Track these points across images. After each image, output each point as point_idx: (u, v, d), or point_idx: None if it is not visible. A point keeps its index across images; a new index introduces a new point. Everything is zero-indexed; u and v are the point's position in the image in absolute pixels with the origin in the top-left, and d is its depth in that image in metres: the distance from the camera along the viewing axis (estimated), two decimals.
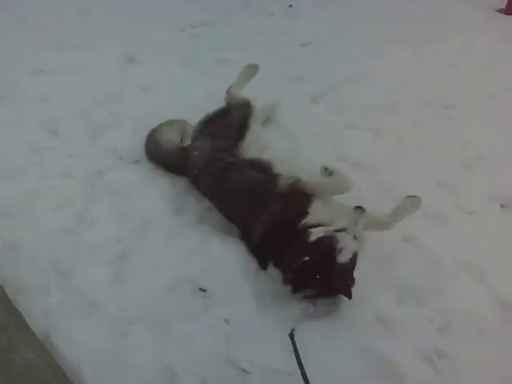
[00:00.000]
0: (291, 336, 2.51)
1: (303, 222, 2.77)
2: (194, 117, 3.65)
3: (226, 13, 5.76)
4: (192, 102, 3.99)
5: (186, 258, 2.92)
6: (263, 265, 2.82)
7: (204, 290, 2.75)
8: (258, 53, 4.81)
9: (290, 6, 5.86)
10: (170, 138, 3.61)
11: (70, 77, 4.50)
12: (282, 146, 3.69)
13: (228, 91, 3.70)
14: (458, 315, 2.67)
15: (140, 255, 2.93)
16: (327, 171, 3.00)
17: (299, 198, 2.88)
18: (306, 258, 2.57)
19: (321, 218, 2.79)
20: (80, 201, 3.26)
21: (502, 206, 3.33)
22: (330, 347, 2.51)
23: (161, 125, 3.70)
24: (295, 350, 2.44)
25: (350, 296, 2.63)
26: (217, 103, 3.87)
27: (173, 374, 2.39)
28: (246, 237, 2.96)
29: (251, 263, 2.87)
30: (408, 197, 3.02)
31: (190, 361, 2.45)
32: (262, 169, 3.09)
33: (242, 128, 3.34)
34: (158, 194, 3.31)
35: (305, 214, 2.81)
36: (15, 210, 3.18)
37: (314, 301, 2.68)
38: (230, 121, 3.42)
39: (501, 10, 5.99)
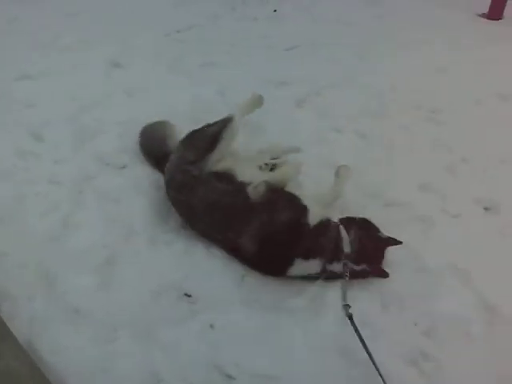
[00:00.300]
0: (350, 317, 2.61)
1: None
2: (181, 121, 3.66)
3: (212, 17, 5.76)
4: (178, 107, 4.01)
5: (172, 263, 2.92)
6: (278, 271, 2.84)
7: (189, 296, 2.75)
8: (243, 57, 4.85)
9: (275, 10, 5.87)
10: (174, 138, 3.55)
11: (56, 81, 4.48)
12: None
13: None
14: (443, 318, 2.68)
15: (126, 261, 2.92)
16: (268, 166, 3.21)
17: (284, 197, 2.96)
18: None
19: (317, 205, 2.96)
20: (66, 206, 3.24)
21: (485, 208, 3.35)
22: (314, 350, 2.51)
23: (163, 122, 3.71)
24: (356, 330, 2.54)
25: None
26: (203, 107, 3.89)
27: (159, 380, 2.38)
28: (234, 250, 2.94)
29: (236, 268, 2.88)
30: (341, 166, 3.25)
31: (176, 367, 2.44)
32: (227, 179, 3.06)
33: (213, 141, 3.22)
34: (144, 199, 3.30)
35: (304, 208, 2.90)
36: (0, 216, 3.17)
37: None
38: (205, 134, 3.31)
39: (483, 15, 6.02)
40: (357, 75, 4.57)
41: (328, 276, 2.81)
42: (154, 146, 3.61)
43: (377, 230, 2.97)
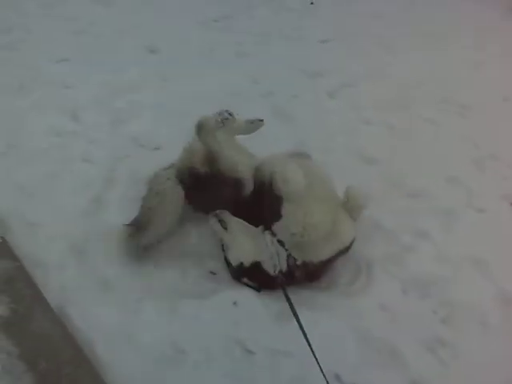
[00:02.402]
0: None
1: None
2: (212, 108, 3.72)
3: (248, 7, 5.77)
4: (212, 93, 4.09)
5: (198, 242, 3.01)
6: None
7: (214, 274, 2.84)
8: (278, 47, 4.90)
9: (312, 3, 5.88)
10: None
11: (92, 65, 4.57)
12: (297, 139, 3.75)
13: None
14: (462, 307, 2.73)
15: None
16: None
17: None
18: None
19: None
20: (99, 184, 3.35)
21: (511, 204, 3.36)
22: (334, 333, 2.57)
23: None
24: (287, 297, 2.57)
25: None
26: (236, 94, 3.96)
27: (180, 351, 2.47)
28: None
29: None
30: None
31: (198, 339, 2.52)
32: None
33: None
34: None
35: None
36: (36, 191, 3.28)
37: None
38: None
39: None
40: (388, 68, 4.58)
41: None
42: None
43: None
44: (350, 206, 2.85)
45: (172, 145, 3.62)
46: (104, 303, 2.63)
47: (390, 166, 3.51)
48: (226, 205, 2.90)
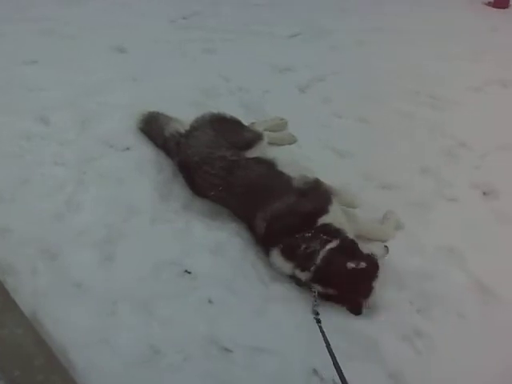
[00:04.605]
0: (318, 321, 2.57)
1: (322, 219, 2.88)
2: (182, 106, 3.72)
3: (215, 4, 5.73)
4: (181, 91, 4.07)
5: (171, 241, 2.99)
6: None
7: (189, 272, 2.82)
8: (247, 43, 4.87)
9: None
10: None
11: (61, 66, 4.49)
12: (269, 135, 3.73)
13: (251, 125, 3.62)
14: (438, 298, 2.75)
15: (126, 239, 2.98)
16: None
17: (320, 195, 3.00)
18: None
19: (338, 220, 2.91)
20: (70, 187, 3.30)
21: (484, 193, 3.39)
22: (310, 326, 2.56)
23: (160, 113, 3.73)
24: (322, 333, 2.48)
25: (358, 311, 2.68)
26: (206, 92, 3.93)
27: (156, 352, 2.45)
28: (251, 227, 3.03)
29: (235, 247, 2.97)
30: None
31: (174, 339, 2.50)
32: (268, 166, 3.18)
33: (247, 146, 3.32)
34: (146, 180, 3.36)
35: (325, 211, 2.91)
36: (6, 196, 3.22)
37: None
38: (239, 135, 3.41)
39: (489, 4, 6.06)
40: (358, 62, 4.59)
41: (298, 282, 2.79)
42: (153, 133, 3.68)
43: (359, 253, 2.76)
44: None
45: (142, 145, 3.64)
46: (78, 307, 2.59)
47: (363, 159, 3.52)
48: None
